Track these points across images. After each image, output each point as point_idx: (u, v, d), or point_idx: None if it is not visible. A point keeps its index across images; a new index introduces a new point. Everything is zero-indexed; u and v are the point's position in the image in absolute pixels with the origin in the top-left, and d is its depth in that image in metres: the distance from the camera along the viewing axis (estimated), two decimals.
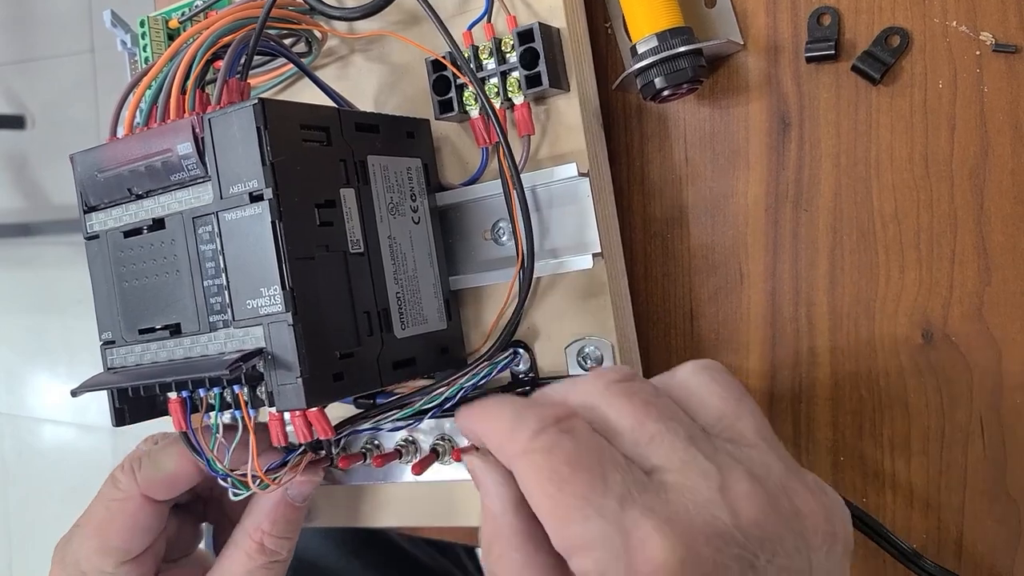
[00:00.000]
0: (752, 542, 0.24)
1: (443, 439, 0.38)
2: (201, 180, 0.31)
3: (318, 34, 0.39)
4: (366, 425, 0.35)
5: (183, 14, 0.42)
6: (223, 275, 0.31)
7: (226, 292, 0.31)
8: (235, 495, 0.33)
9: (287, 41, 0.39)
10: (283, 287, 0.30)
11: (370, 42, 0.40)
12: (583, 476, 0.24)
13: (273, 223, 0.30)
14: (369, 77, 0.40)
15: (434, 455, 0.37)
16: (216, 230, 0.31)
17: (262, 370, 0.31)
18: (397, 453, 0.38)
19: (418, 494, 0.40)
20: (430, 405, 0.34)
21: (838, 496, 0.27)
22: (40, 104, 1.88)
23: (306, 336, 0.30)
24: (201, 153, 0.31)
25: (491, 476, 0.27)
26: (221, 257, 0.31)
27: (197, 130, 0.31)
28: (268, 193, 0.30)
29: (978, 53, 0.33)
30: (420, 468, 0.36)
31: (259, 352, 0.31)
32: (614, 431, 0.26)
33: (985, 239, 0.33)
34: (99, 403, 1.79)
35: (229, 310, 0.31)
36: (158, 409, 0.35)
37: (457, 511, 0.39)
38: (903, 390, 0.35)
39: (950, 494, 0.34)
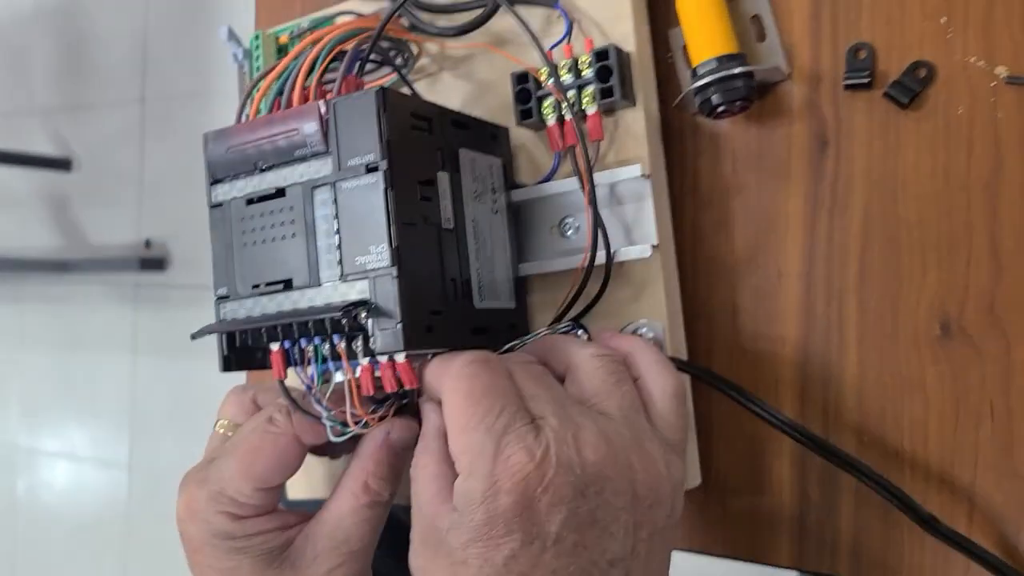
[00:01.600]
0: (587, 477, 0.32)
1: None
2: (321, 155, 0.37)
3: (414, 49, 0.45)
4: None
5: (291, 32, 0.48)
6: (336, 235, 0.36)
7: (338, 250, 0.36)
8: (339, 435, 0.37)
9: (391, 53, 0.45)
10: (390, 245, 0.35)
11: (457, 61, 0.46)
12: (487, 401, 0.33)
13: (385, 190, 0.35)
14: (456, 91, 0.46)
15: None
16: (333, 197, 0.36)
17: (363, 322, 0.36)
18: None
19: None
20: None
21: (679, 478, 0.35)
22: (87, 149, 1.96)
23: (406, 290, 0.35)
24: (325, 132, 0.36)
25: (429, 407, 0.37)
26: (336, 220, 0.36)
27: (323, 112, 0.36)
28: (383, 165, 0.35)
29: (993, 84, 0.38)
30: None
31: (365, 303, 0.35)
32: (518, 388, 0.35)
33: (997, 244, 0.38)
34: (117, 435, 1.82)
35: (339, 266, 0.36)
36: (259, 361, 0.40)
37: None
38: (922, 377, 0.39)
39: (963, 471, 0.38)
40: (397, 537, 0.40)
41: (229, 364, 0.40)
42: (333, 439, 0.37)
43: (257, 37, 0.48)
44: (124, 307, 1.89)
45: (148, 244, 1.84)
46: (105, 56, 1.94)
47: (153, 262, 1.80)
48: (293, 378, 0.38)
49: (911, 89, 0.39)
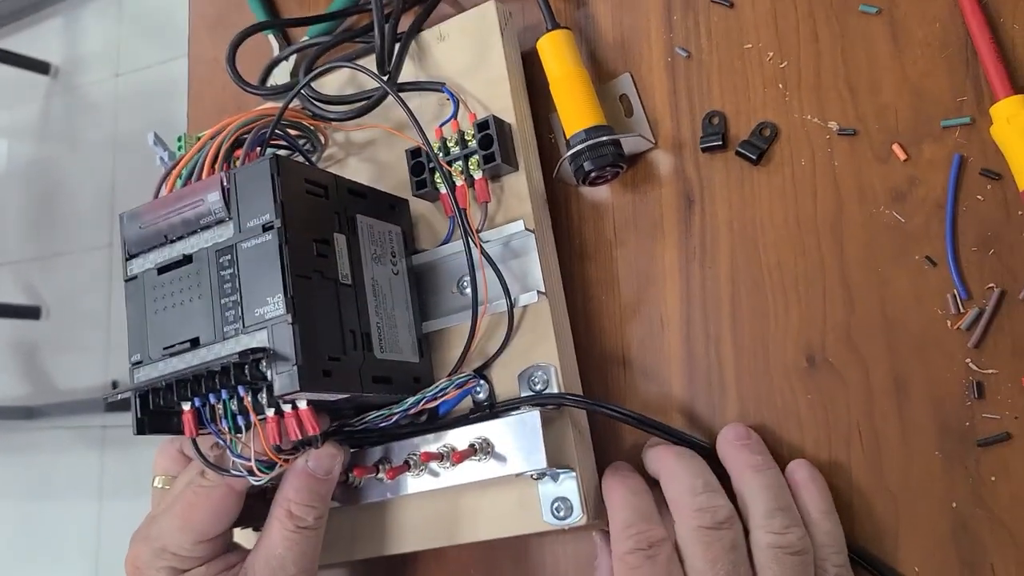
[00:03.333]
0: None
1: (414, 454, 0.44)
2: (224, 221, 0.40)
3: (322, 139, 0.50)
4: (353, 423, 0.42)
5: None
6: (238, 292, 0.39)
7: (239, 306, 0.39)
8: (254, 479, 0.39)
9: (299, 141, 0.49)
10: (285, 295, 0.38)
11: (361, 147, 0.51)
12: None
13: (280, 246, 0.38)
14: (362, 172, 0.50)
15: (406, 466, 0.43)
16: (235, 257, 0.40)
17: (264, 369, 0.38)
18: (406, 465, 0.44)
19: (426, 515, 0.45)
20: (398, 409, 0.41)
21: None
22: (56, 296, 2.00)
23: (301, 335, 0.38)
24: (227, 200, 0.40)
25: (603, 560, 0.42)
26: (237, 279, 0.39)
27: (225, 183, 0.40)
28: (277, 223, 0.39)
29: (828, 137, 0.43)
30: (393, 474, 0.43)
31: (263, 350, 0.38)
32: (686, 562, 0.38)
33: (847, 278, 0.42)
34: None
35: (240, 320, 0.39)
36: (175, 426, 0.42)
37: (462, 528, 0.44)
38: (796, 407, 0.42)
39: (839, 494, 0.41)
40: None
41: (143, 427, 0.42)
42: (254, 482, 0.40)
43: (181, 139, 0.53)
44: (91, 451, 1.88)
45: (115, 385, 1.85)
46: (74, 207, 2.01)
47: (120, 404, 1.80)
48: None
49: (759, 147, 0.44)
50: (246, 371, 0.38)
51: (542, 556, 0.47)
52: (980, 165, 0.40)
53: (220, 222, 0.41)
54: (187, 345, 0.40)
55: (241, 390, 0.39)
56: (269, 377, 0.38)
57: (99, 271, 1.93)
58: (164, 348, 0.41)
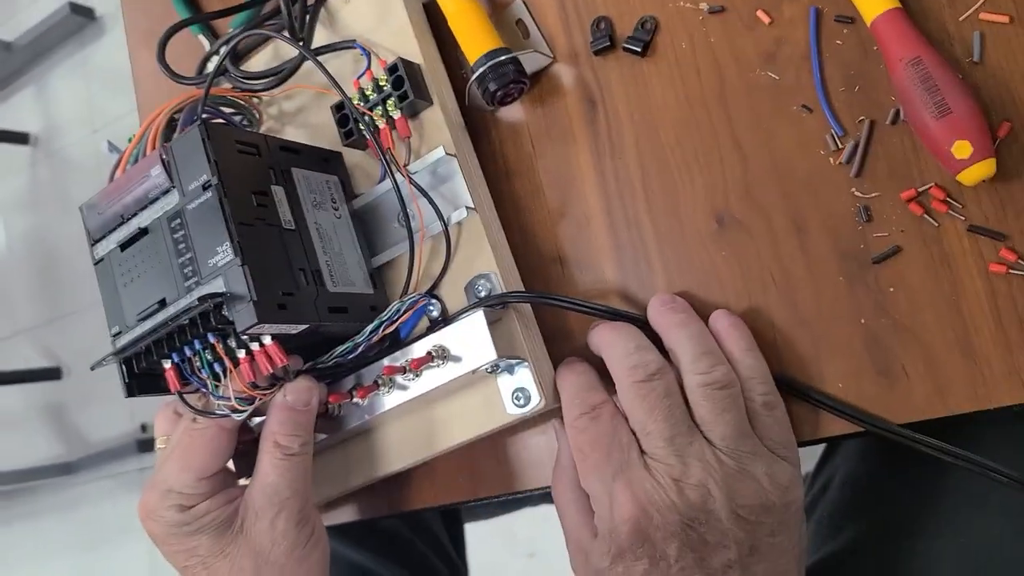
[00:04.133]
0: (691, 513, 0.39)
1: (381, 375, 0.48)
2: (169, 191, 0.45)
3: (255, 113, 0.54)
4: (324, 360, 0.46)
5: None
6: (191, 250, 0.43)
7: (195, 261, 0.43)
8: (237, 415, 0.44)
9: (236, 118, 0.54)
10: (231, 241, 0.42)
11: (294, 115, 0.55)
12: (595, 454, 0.41)
13: (220, 199, 0.43)
14: (299, 138, 0.54)
15: (375, 384, 0.47)
16: (183, 220, 0.44)
17: (227, 313, 0.42)
18: (375, 384, 0.47)
19: (406, 432, 0.49)
20: (360, 339, 0.46)
21: (786, 481, 0.40)
22: (73, 354, 2.06)
23: (252, 275, 0.42)
24: (168, 170, 0.44)
25: (562, 441, 0.45)
26: (189, 238, 0.44)
27: (164, 156, 0.45)
28: (214, 180, 0.43)
29: (701, 18, 0.47)
30: (364, 393, 0.47)
31: (221, 294, 0.42)
32: (629, 417, 0.42)
33: (738, 139, 0.46)
34: None
35: (197, 274, 0.43)
36: (162, 387, 0.46)
37: (439, 437, 0.48)
38: (713, 266, 0.46)
39: (762, 334, 0.44)
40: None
41: (132, 390, 0.46)
42: (237, 418, 0.44)
43: (130, 139, 0.57)
44: (132, 494, 1.93)
45: (144, 428, 1.90)
46: (76, 265, 2.06)
47: (150, 442, 1.86)
48: None
49: (643, 40, 0.48)
50: (211, 319, 0.42)
51: (518, 452, 0.51)
52: (834, 13, 0.44)
53: (166, 192, 0.45)
54: (156, 307, 0.45)
55: (211, 337, 0.43)
56: (232, 318, 0.42)
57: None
58: (137, 315, 0.45)
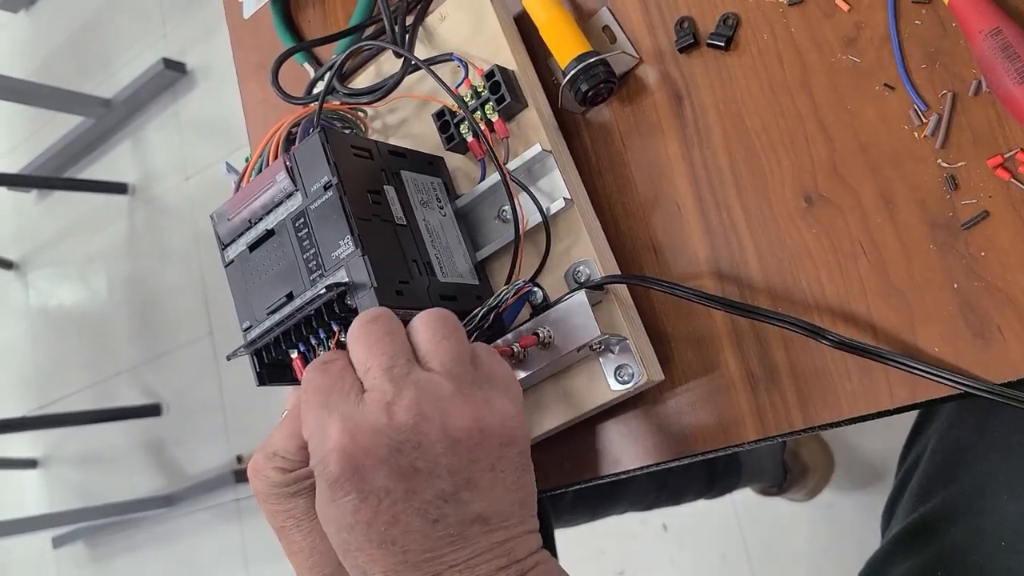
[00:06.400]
0: (400, 436, 0.38)
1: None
2: (293, 194, 0.49)
3: (362, 126, 0.58)
4: None
5: None
6: (315, 246, 0.47)
7: (318, 256, 0.47)
8: None
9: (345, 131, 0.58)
10: (352, 234, 0.46)
11: (397, 127, 0.59)
12: (316, 398, 0.41)
13: (340, 198, 0.47)
14: (402, 145, 0.58)
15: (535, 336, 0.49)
16: (307, 219, 0.48)
17: (350, 302, 0.46)
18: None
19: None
20: (471, 324, 0.49)
21: (505, 412, 0.41)
22: (172, 391, 2.15)
23: (372, 264, 0.46)
24: (292, 175, 0.49)
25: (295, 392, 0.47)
26: (313, 235, 0.48)
27: (288, 163, 0.49)
28: (335, 180, 0.47)
29: (781, 10, 0.49)
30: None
31: (345, 283, 0.46)
32: (354, 360, 0.42)
33: (823, 121, 0.48)
34: None
35: (321, 267, 0.47)
36: (290, 376, 0.50)
37: (546, 418, 0.51)
38: (804, 243, 0.48)
39: (858, 303, 0.46)
40: None
41: (263, 379, 0.50)
42: None
43: (247, 159, 0.62)
44: (230, 524, 2.00)
45: (240, 459, 1.97)
46: (173, 306, 2.16)
47: (245, 473, 1.93)
48: None
49: (726, 35, 0.50)
50: (335, 307, 0.46)
51: (608, 438, 0.53)
52: None
53: (290, 195, 0.49)
54: (284, 300, 0.49)
55: (335, 326, 0.47)
56: (355, 306, 0.46)
57: (206, 359, 2.07)
58: (266, 309, 0.49)
